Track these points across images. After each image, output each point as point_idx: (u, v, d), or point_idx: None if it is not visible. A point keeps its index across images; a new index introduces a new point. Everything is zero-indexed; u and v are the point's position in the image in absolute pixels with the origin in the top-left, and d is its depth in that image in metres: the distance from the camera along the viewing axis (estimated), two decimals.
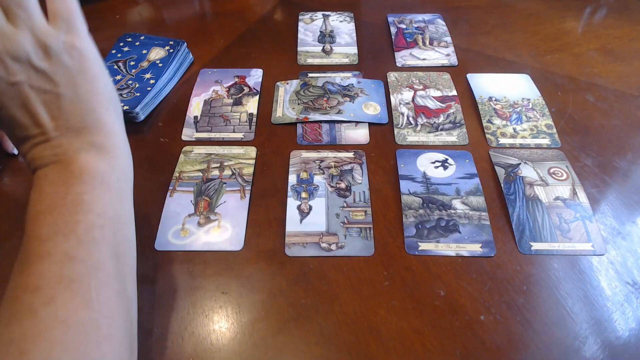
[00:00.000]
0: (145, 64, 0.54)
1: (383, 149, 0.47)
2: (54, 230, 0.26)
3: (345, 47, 0.61)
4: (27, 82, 0.28)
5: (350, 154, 0.47)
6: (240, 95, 0.54)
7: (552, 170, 0.45)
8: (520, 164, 0.45)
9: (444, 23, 0.65)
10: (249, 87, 0.55)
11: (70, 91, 0.29)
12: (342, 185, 0.44)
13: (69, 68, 0.29)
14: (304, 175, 0.45)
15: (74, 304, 0.24)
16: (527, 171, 0.44)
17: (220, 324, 0.34)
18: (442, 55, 0.60)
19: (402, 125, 0.50)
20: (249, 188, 0.43)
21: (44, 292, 0.24)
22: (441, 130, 0.49)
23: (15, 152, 0.47)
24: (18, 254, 0.27)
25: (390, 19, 0.66)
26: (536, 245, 0.39)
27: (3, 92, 0.27)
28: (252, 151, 0.47)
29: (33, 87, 0.28)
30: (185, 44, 0.57)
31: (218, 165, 0.46)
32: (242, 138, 0.49)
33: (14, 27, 0.28)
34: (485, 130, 0.49)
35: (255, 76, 0.56)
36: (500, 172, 0.44)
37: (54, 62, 0.28)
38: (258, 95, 0.54)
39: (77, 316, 0.24)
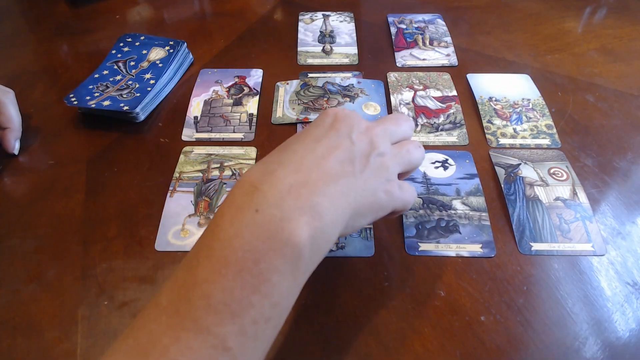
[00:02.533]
0: (145, 64, 0.54)
1: None
2: (226, 302, 0.23)
3: (345, 47, 0.61)
4: (355, 150, 0.29)
5: None
6: (240, 95, 0.54)
7: (552, 171, 0.45)
8: (520, 164, 0.45)
9: (444, 23, 0.65)
10: (249, 87, 0.55)
11: (361, 182, 0.29)
12: None
13: (376, 179, 0.30)
14: None
15: None
16: (527, 171, 0.44)
17: None
18: (442, 55, 0.60)
19: None
20: None
21: None
22: (441, 130, 0.49)
23: (16, 152, 0.47)
24: (175, 276, 0.24)
25: (390, 19, 0.66)
26: (536, 246, 0.39)
27: (339, 133, 0.30)
28: (252, 151, 0.47)
29: (350, 156, 0.29)
30: (185, 44, 0.57)
31: (218, 165, 0.46)
32: (242, 138, 0.49)
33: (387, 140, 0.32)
34: (486, 131, 0.49)
35: (255, 76, 0.56)
36: (501, 173, 0.44)
37: (377, 168, 0.30)
38: (258, 96, 0.54)
39: None
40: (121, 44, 0.57)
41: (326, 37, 0.63)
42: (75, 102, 0.49)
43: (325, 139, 0.29)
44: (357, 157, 0.29)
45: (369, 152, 0.30)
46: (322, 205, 0.26)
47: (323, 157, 0.28)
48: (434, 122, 0.50)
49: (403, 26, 0.65)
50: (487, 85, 0.55)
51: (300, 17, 0.67)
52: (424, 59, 0.59)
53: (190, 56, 0.59)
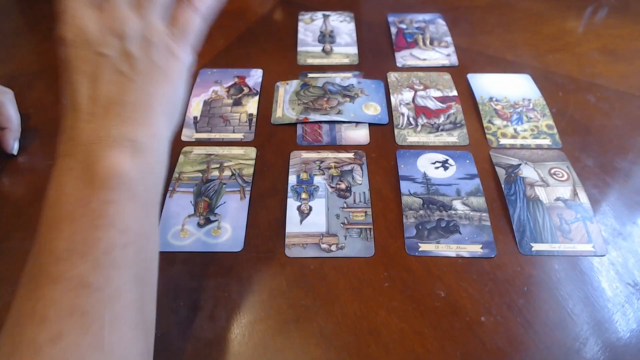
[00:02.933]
0: None
1: (383, 150, 0.47)
2: (70, 247, 0.23)
3: (346, 47, 0.61)
4: (112, 57, 0.28)
5: (351, 155, 0.47)
6: (240, 95, 0.54)
7: (552, 171, 0.44)
8: (520, 164, 0.45)
9: (444, 23, 0.65)
10: (249, 87, 0.55)
11: (141, 82, 0.28)
12: (342, 185, 0.44)
13: (154, 63, 0.29)
14: (304, 175, 0.45)
15: (84, 344, 0.22)
16: (528, 172, 0.44)
17: (220, 325, 0.34)
18: (443, 55, 0.59)
19: (402, 126, 0.50)
20: (249, 189, 0.43)
21: (51, 325, 0.21)
22: (441, 130, 0.49)
23: (15, 152, 0.47)
24: (28, 259, 0.25)
25: (390, 19, 0.66)
26: (537, 246, 0.39)
27: (85, 57, 0.27)
28: (252, 152, 0.47)
29: (113, 66, 0.28)
30: None
31: (218, 165, 0.45)
32: (242, 138, 0.49)
33: (133, 11, 0.29)
34: (486, 131, 0.49)
35: (255, 76, 0.56)
36: (501, 173, 0.44)
37: (145, 54, 0.29)
38: (258, 96, 0.54)
39: (84, 358, 0.22)
40: None
41: (326, 37, 0.63)
42: None
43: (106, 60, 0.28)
44: (143, 59, 0.29)
45: (149, 44, 0.29)
46: (135, 133, 0.27)
47: (117, 77, 0.28)
48: (434, 122, 0.50)
49: (403, 26, 0.65)
50: (488, 85, 0.54)
51: (300, 17, 0.67)
52: (424, 59, 0.59)
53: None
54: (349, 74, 0.57)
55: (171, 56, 0.30)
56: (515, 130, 0.49)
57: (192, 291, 0.36)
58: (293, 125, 0.50)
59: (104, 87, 0.27)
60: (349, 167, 0.45)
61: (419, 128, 0.49)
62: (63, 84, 0.28)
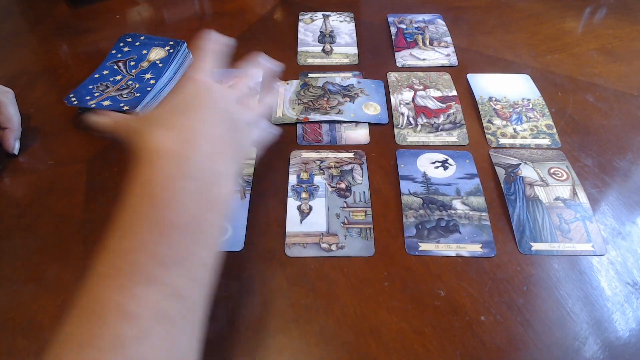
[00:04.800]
0: (145, 64, 0.54)
1: (383, 149, 0.47)
2: (173, 253, 0.25)
3: (346, 47, 0.61)
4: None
5: (351, 154, 0.47)
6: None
7: (552, 171, 0.45)
8: (520, 164, 0.45)
9: (444, 23, 0.65)
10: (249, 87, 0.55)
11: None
12: (342, 185, 0.44)
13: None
14: (304, 175, 0.45)
15: (164, 347, 0.23)
16: (527, 171, 0.44)
17: (221, 324, 0.34)
18: (442, 55, 0.60)
19: (402, 126, 0.50)
20: (249, 188, 0.43)
21: (139, 324, 0.22)
22: (441, 130, 0.49)
23: (16, 152, 0.47)
24: (109, 249, 0.25)
25: (390, 19, 0.66)
26: (536, 246, 0.39)
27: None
28: (252, 151, 0.47)
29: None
30: (185, 44, 0.57)
31: None
32: None
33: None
34: (486, 131, 0.49)
35: (255, 76, 0.56)
36: (501, 173, 0.44)
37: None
38: (258, 96, 0.54)
39: None
40: (121, 44, 0.57)
41: (326, 37, 0.63)
42: (75, 102, 0.49)
43: (207, 109, 0.33)
44: (237, 125, 0.34)
45: (239, 118, 0.35)
46: (233, 168, 0.32)
47: (220, 129, 0.32)
48: (434, 122, 0.50)
49: (403, 26, 0.65)
50: (487, 85, 0.55)
51: (300, 17, 0.67)
52: (424, 59, 0.59)
53: (190, 56, 0.59)
54: (349, 74, 0.57)
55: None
56: (514, 130, 0.49)
57: None
58: (293, 125, 0.50)
59: (225, 133, 0.33)
60: (349, 167, 0.45)
61: (418, 128, 0.50)
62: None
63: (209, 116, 0.32)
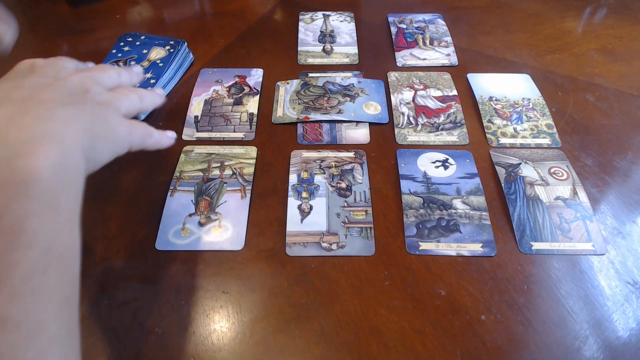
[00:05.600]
0: (145, 64, 0.54)
1: (383, 149, 0.47)
2: None
3: (346, 47, 0.61)
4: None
5: (351, 154, 0.47)
6: (240, 95, 0.54)
7: (552, 170, 0.45)
8: (520, 163, 0.45)
9: (444, 23, 0.65)
10: (250, 86, 0.55)
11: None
12: (343, 184, 0.44)
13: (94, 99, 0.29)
14: (304, 174, 0.45)
15: None
16: (528, 171, 0.44)
17: (221, 323, 0.34)
18: (443, 55, 0.60)
19: (402, 125, 0.50)
20: (250, 188, 0.43)
21: None
22: (442, 130, 0.49)
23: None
24: None
25: (390, 19, 0.66)
26: (537, 245, 0.39)
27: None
28: (252, 151, 0.47)
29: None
30: (185, 43, 0.57)
31: (219, 164, 0.46)
32: (242, 138, 0.49)
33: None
34: (486, 130, 0.49)
35: (255, 76, 0.56)
36: (501, 172, 0.44)
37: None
38: (258, 95, 0.54)
39: None
40: (121, 44, 0.57)
41: (326, 37, 0.63)
42: None
43: (31, 79, 0.27)
44: (74, 91, 0.27)
45: (86, 89, 0.29)
46: (52, 130, 0.23)
47: (38, 90, 0.26)
48: (435, 122, 0.50)
49: (403, 26, 0.65)
50: (488, 84, 0.55)
51: (300, 17, 0.67)
52: (424, 59, 0.59)
53: (191, 56, 0.59)
54: (349, 74, 0.57)
55: (121, 119, 0.30)
56: (515, 129, 0.49)
57: (193, 290, 0.36)
58: (294, 124, 0.50)
59: (49, 92, 0.27)
60: (349, 166, 0.45)
61: (419, 127, 0.50)
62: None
63: (27, 82, 0.26)
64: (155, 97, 0.36)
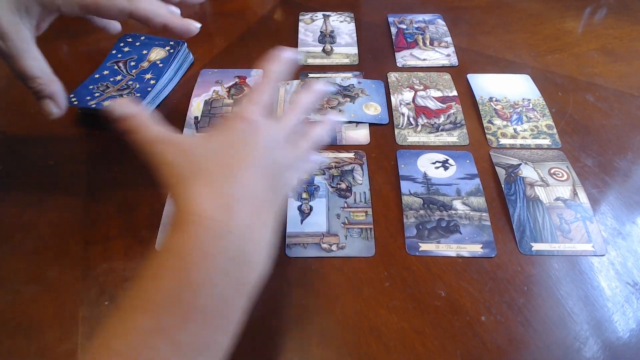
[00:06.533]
0: (145, 65, 0.54)
1: (383, 150, 0.47)
2: (194, 342, 0.23)
3: (346, 48, 0.61)
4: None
5: (351, 155, 0.47)
6: (240, 95, 0.54)
7: (552, 171, 0.45)
8: (520, 164, 0.45)
9: (444, 23, 0.65)
10: (250, 87, 0.55)
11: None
12: (343, 185, 0.44)
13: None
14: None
15: None
16: (528, 172, 0.44)
17: None
18: (443, 55, 0.60)
19: (402, 126, 0.50)
20: None
21: None
22: (442, 130, 0.49)
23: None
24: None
25: (390, 19, 0.66)
26: (537, 246, 0.39)
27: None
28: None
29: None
30: (185, 44, 0.57)
31: None
32: None
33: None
34: (486, 131, 0.49)
35: (255, 76, 0.56)
36: (501, 173, 0.44)
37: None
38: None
39: None
40: (121, 44, 0.57)
41: (326, 37, 0.63)
42: (76, 102, 0.49)
43: (254, 157, 0.29)
44: (279, 171, 0.31)
45: (286, 162, 0.32)
46: (272, 238, 0.29)
47: (262, 187, 0.29)
48: (435, 122, 0.50)
49: (403, 26, 0.65)
50: (488, 85, 0.55)
51: (300, 17, 0.67)
52: (424, 59, 0.59)
53: (191, 56, 0.59)
54: (349, 74, 0.57)
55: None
56: (515, 130, 0.49)
57: None
58: None
59: (267, 192, 0.29)
60: (349, 167, 0.45)
61: (419, 128, 0.50)
62: None
63: (253, 173, 0.29)
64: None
